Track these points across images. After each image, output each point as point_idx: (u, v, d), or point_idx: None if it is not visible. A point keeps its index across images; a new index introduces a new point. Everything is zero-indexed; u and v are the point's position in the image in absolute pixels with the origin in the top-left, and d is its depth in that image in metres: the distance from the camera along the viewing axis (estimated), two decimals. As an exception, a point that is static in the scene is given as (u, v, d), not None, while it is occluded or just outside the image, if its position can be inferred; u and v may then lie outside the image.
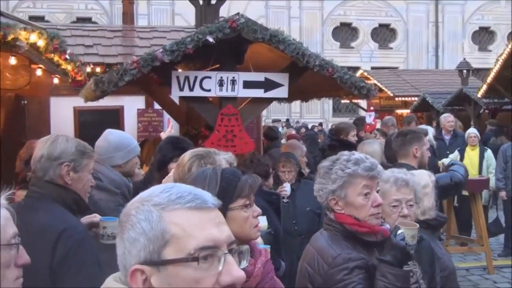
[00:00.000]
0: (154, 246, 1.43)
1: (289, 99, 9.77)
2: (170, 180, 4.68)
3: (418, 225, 3.05)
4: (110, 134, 4.81)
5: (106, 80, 6.52)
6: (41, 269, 2.94)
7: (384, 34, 38.31)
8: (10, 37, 5.82)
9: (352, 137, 9.10)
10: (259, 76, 7.27)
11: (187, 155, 3.61)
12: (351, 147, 7.08)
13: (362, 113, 26.57)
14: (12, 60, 6.76)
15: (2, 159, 8.62)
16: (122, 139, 4.82)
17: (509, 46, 17.79)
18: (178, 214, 1.47)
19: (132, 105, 12.74)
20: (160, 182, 4.85)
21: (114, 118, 12.42)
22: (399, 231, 2.93)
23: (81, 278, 3.05)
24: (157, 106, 12.03)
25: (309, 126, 27.75)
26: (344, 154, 3.14)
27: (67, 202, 3.30)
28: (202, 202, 1.51)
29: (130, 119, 12.85)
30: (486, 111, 21.59)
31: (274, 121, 26.96)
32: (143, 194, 1.54)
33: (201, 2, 9.10)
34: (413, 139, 5.43)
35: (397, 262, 2.88)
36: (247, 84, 7.17)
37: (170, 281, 1.42)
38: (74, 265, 3.06)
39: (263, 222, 5.08)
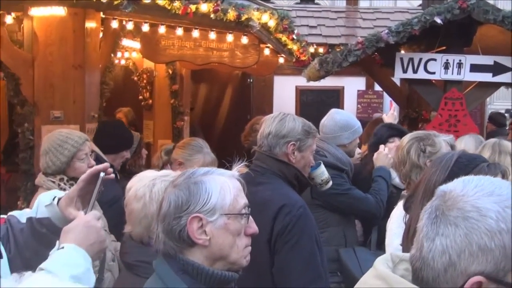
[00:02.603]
0: (506, 265, 1.28)
1: (519, 85, 9.24)
2: (384, 156, 4.77)
3: None
4: (336, 114, 4.91)
5: (331, 60, 6.65)
6: (261, 242, 3.08)
7: None
8: (244, 17, 6.12)
9: None
10: (488, 60, 6.98)
11: (406, 138, 3.64)
12: None
13: None
14: (244, 39, 7.10)
15: (229, 132, 9.15)
16: (348, 119, 4.91)
17: None
18: None
19: (352, 86, 12.82)
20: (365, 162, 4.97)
21: (334, 98, 12.61)
22: None
23: (297, 252, 3.16)
24: (377, 87, 11.99)
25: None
26: None
27: (289, 178, 3.40)
28: None
29: (350, 99, 12.94)
30: None
31: (507, 111, 25.55)
32: (497, 193, 1.34)
33: (428, -17, 8.88)
34: None
35: None
36: (474, 68, 6.92)
37: None
38: (290, 240, 3.16)
39: None
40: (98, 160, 4.32)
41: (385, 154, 4.79)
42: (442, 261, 1.33)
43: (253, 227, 2.13)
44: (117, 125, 6.13)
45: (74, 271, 2.06)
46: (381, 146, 4.91)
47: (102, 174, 2.41)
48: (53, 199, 2.48)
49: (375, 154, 4.88)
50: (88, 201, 2.43)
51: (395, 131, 5.10)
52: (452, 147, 3.62)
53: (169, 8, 5.76)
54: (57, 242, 2.21)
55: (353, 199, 4.49)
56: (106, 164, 2.49)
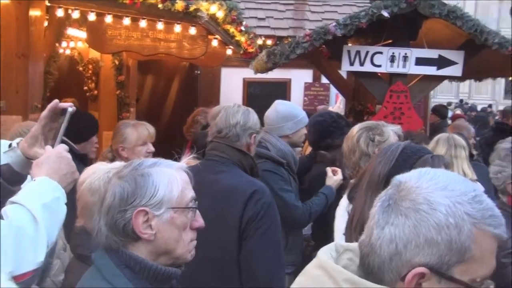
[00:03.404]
0: (451, 259, 1.31)
1: (462, 78, 9.44)
2: (338, 181, 4.79)
3: None
4: (279, 105, 4.92)
5: (278, 52, 6.66)
6: (230, 227, 3.19)
7: None
8: (192, 8, 6.08)
9: (517, 122, 8.69)
10: (432, 53, 7.10)
11: (356, 127, 3.72)
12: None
13: (538, 96, 25.05)
14: (192, 30, 7.06)
15: (175, 124, 9.08)
16: (292, 109, 4.92)
17: None
18: (485, 236, 1.34)
19: (299, 78, 12.90)
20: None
21: (281, 91, 12.66)
22: None
23: (267, 239, 3.25)
24: (324, 80, 12.09)
25: (478, 108, 26.67)
26: None
27: (245, 167, 3.50)
28: (502, 233, 1.38)
29: (297, 92, 13.02)
30: None
31: (449, 104, 26.23)
32: (451, 187, 1.36)
33: (376, -24, 8.98)
34: None
35: None
36: (420, 61, 7.03)
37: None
38: (263, 225, 3.24)
39: None
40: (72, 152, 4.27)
41: (338, 178, 4.79)
42: (389, 250, 1.35)
43: (200, 221, 2.09)
44: (79, 112, 6.01)
45: (45, 199, 2.04)
46: (328, 170, 4.84)
47: (70, 109, 2.38)
48: (10, 145, 2.41)
49: (330, 173, 4.83)
50: (52, 137, 2.39)
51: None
52: (400, 137, 3.70)
53: (115, -3, 5.70)
54: (29, 176, 2.20)
55: (282, 202, 4.39)
56: (69, 103, 2.46)
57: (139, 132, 4.57)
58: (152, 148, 4.61)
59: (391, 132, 3.65)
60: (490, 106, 27.68)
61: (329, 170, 4.79)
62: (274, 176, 4.42)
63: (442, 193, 1.34)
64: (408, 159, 2.61)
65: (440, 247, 1.31)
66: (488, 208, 1.36)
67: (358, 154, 3.58)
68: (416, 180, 1.38)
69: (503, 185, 2.98)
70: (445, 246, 1.30)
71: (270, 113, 4.87)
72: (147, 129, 4.62)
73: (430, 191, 1.34)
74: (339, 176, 4.75)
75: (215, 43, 7.66)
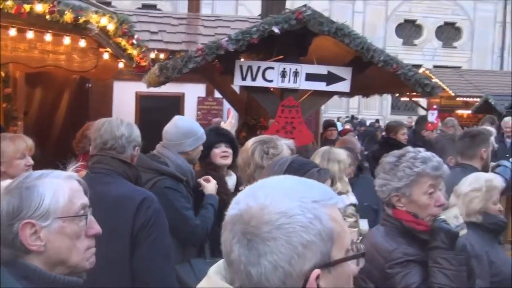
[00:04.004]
0: (327, 246, 1.33)
1: (350, 94, 9.73)
2: (215, 186, 4.77)
3: (455, 205, 3.03)
4: (180, 120, 4.83)
5: (171, 66, 6.63)
6: (122, 236, 3.22)
7: (449, 33, 37.64)
8: (81, 20, 5.92)
9: (402, 136, 9.00)
10: (322, 69, 7.27)
11: (251, 141, 3.77)
12: (399, 147, 6.97)
13: (421, 111, 26.20)
14: (82, 43, 6.89)
15: (65, 138, 8.83)
16: (192, 125, 4.83)
17: None
18: (333, 209, 1.38)
19: (193, 92, 12.89)
20: (204, 169, 4.95)
21: (175, 105, 12.59)
22: (439, 217, 2.92)
23: (158, 245, 3.32)
24: (217, 94, 12.14)
25: (367, 122, 27.55)
26: (410, 151, 3.10)
27: (131, 177, 3.54)
28: (340, 200, 1.44)
29: (190, 106, 13.00)
30: (551, 115, 21.03)
31: (338, 119, 26.96)
32: (291, 191, 1.38)
33: (267, -7, 9.13)
34: (482, 141, 5.34)
35: (445, 245, 2.87)
36: (310, 77, 7.18)
37: (336, 282, 1.37)
38: (153, 232, 3.31)
39: (364, 225, 5.13)
40: None
41: (214, 183, 4.76)
42: (278, 276, 1.32)
43: (96, 228, 2.08)
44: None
45: None
46: (201, 180, 4.80)
47: None
48: None
49: (204, 183, 4.80)
50: None
51: (222, 137, 5.03)
52: (292, 150, 3.77)
53: (0, 7, 5.47)
54: None
55: (185, 221, 4.36)
56: None
57: (16, 144, 4.38)
58: (31, 161, 4.42)
59: (285, 145, 3.72)
60: (377, 121, 28.63)
61: (201, 180, 4.75)
62: (175, 193, 4.36)
63: (286, 199, 1.34)
64: (296, 173, 2.65)
65: (316, 244, 1.32)
66: (320, 186, 1.43)
67: (252, 166, 3.62)
68: (255, 204, 1.36)
69: (388, 198, 3.07)
70: (319, 240, 1.32)
71: (169, 128, 4.77)
72: (25, 142, 4.44)
73: (276, 204, 1.33)
74: (213, 182, 4.74)
75: (106, 56, 7.51)
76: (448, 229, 2.88)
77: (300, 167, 2.75)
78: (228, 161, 4.91)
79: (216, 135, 4.98)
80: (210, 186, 4.75)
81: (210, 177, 4.76)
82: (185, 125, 4.79)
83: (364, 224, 5.09)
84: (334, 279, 1.35)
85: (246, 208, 1.37)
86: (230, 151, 4.90)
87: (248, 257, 1.33)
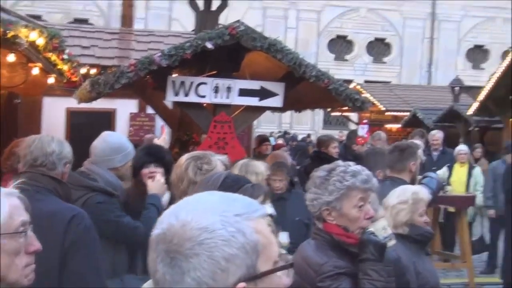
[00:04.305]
0: (252, 259, 1.33)
1: (283, 109, 9.82)
2: (159, 184, 4.74)
3: (383, 217, 3.10)
4: (109, 136, 4.78)
5: (102, 81, 6.57)
6: (53, 252, 3.15)
7: (379, 48, 38.49)
8: (10, 34, 5.80)
9: (333, 149, 9.10)
10: (254, 85, 7.31)
11: (184, 157, 3.78)
12: (330, 161, 7.07)
13: (352, 126, 26.66)
14: (11, 57, 6.74)
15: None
16: (122, 141, 4.78)
17: (503, 65, 17.97)
18: (258, 222, 1.39)
19: (124, 108, 12.78)
20: (136, 187, 4.90)
21: (106, 121, 12.45)
22: (368, 229, 2.99)
23: (89, 262, 3.30)
24: (149, 110, 12.07)
25: (299, 137, 27.86)
26: (340, 165, 3.14)
27: (61, 195, 3.50)
28: (264, 210, 1.46)
29: (122, 122, 12.89)
30: (476, 129, 21.75)
31: (271, 134, 27.22)
32: (212, 206, 1.39)
33: (201, 8, 9.15)
34: (411, 154, 5.46)
35: (374, 257, 2.92)
36: (243, 92, 7.21)
37: None
38: (84, 248, 3.28)
39: (284, 238, 5.16)
40: None
41: (161, 182, 4.72)
42: None
43: (36, 245, 2.05)
44: None
45: None
46: (149, 180, 4.75)
47: None
48: None
49: (149, 181, 4.77)
50: None
51: (151, 157, 4.95)
52: (226, 166, 3.78)
53: None
54: None
55: (122, 226, 4.36)
56: None
57: None
58: None
59: (219, 161, 3.73)
60: (309, 135, 28.96)
61: (147, 179, 4.71)
62: (108, 206, 4.33)
63: (207, 215, 1.35)
64: (230, 188, 2.67)
65: (240, 257, 1.32)
66: (243, 200, 1.44)
67: (186, 182, 3.61)
68: (176, 221, 1.36)
69: (318, 212, 3.11)
70: (242, 253, 1.32)
71: (98, 144, 4.70)
72: None
73: (197, 220, 1.34)
74: (158, 180, 4.68)
75: (36, 71, 7.37)
76: (376, 241, 2.95)
77: (234, 182, 2.77)
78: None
79: (145, 155, 4.89)
80: (154, 185, 4.70)
81: (157, 174, 4.71)
82: (115, 140, 4.75)
83: (284, 237, 5.14)
84: None
85: (169, 226, 1.37)
86: (159, 170, 4.83)
87: (172, 275, 1.33)
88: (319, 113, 34.28)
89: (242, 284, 1.32)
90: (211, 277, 1.31)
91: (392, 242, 3.02)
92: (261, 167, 4.98)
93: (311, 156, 9.78)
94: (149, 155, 4.91)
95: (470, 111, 19.78)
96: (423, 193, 4.04)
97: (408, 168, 5.40)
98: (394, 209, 3.85)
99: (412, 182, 5.27)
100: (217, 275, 1.31)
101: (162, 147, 5.66)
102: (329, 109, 15.88)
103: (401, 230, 3.83)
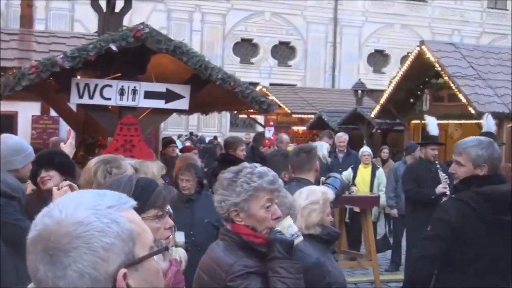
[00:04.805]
0: (129, 246, 1.41)
1: (190, 111, 9.80)
2: (64, 191, 4.63)
3: (288, 216, 3.16)
4: (7, 138, 4.70)
5: (3, 83, 6.38)
6: None
7: (283, 52, 38.93)
8: None
9: (240, 152, 9.15)
10: (160, 87, 7.27)
11: (93, 161, 3.70)
12: (237, 163, 7.11)
13: (259, 128, 26.89)
14: None
15: None
16: (21, 143, 4.74)
17: (402, 70, 18.63)
18: (129, 213, 1.46)
19: (26, 111, 12.42)
20: (35, 192, 4.78)
21: (7, 124, 12.04)
22: (275, 228, 3.04)
23: None
24: (53, 113, 11.76)
25: (206, 139, 27.87)
26: (247, 166, 3.17)
27: None
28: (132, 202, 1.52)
29: (24, 125, 12.52)
30: (379, 131, 22.41)
31: (179, 136, 27.08)
32: (83, 202, 1.43)
33: (104, 10, 9.00)
34: (315, 155, 5.58)
35: (282, 255, 2.96)
36: (149, 94, 7.15)
37: (145, 278, 1.45)
38: None
39: (180, 238, 5.16)
40: None
41: (65, 190, 4.60)
42: (85, 283, 1.36)
43: None
44: None
45: None
46: (54, 189, 4.62)
47: None
48: None
49: (54, 189, 4.63)
50: None
51: (40, 163, 4.74)
52: (136, 170, 3.73)
53: None
54: None
55: (21, 231, 4.24)
56: None
57: None
58: None
59: (129, 165, 3.68)
60: (215, 138, 28.98)
61: (53, 188, 4.58)
62: (8, 209, 4.23)
63: (80, 210, 1.40)
64: (145, 192, 2.68)
65: (117, 245, 1.38)
66: (113, 193, 1.50)
67: (95, 186, 3.54)
68: (50, 221, 1.40)
69: (227, 213, 3.12)
70: (119, 241, 1.39)
71: (-3, 146, 4.60)
72: None
73: (71, 216, 1.39)
74: (64, 190, 4.57)
75: None
76: (283, 239, 2.99)
77: (147, 185, 2.76)
78: (49, 184, 4.73)
79: (33, 164, 4.75)
80: (59, 194, 4.58)
81: (65, 184, 4.59)
82: (14, 142, 4.67)
83: (179, 236, 5.19)
84: (142, 276, 1.43)
85: (44, 227, 1.40)
86: (52, 173, 4.68)
87: (54, 271, 1.36)
88: (226, 116, 34.34)
89: (123, 270, 1.38)
90: (92, 267, 1.36)
91: (299, 239, 3.08)
92: (153, 168, 4.95)
93: (219, 158, 9.81)
94: (37, 163, 4.79)
95: (372, 114, 20.40)
96: (330, 193, 4.13)
97: (314, 168, 5.51)
98: (305, 209, 3.88)
99: (317, 182, 5.38)
100: (98, 264, 1.36)
101: (52, 151, 5.56)
102: (236, 112, 15.98)
103: (313, 231, 3.88)
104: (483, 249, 4.02)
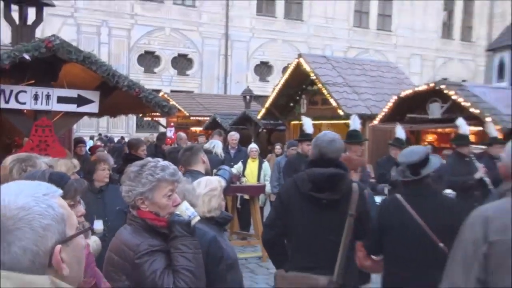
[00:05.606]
0: (61, 226, 1.51)
1: (99, 114, 9.58)
2: None
3: (184, 201, 3.22)
4: None
5: None
6: None
7: (182, 63, 38.71)
8: None
9: (142, 152, 9.02)
10: (72, 93, 7.11)
11: (9, 159, 3.57)
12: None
13: (161, 129, 26.63)
14: None
15: None
16: None
17: (283, 78, 19.03)
18: (59, 200, 1.56)
19: None
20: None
21: None
22: (175, 212, 3.10)
23: None
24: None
25: (115, 139, 27.39)
26: (151, 161, 3.20)
27: None
28: (60, 191, 1.61)
29: None
30: (264, 130, 22.79)
31: (91, 137, 26.43)
32: (22, 190, 1.51)
33: (17, 22, 8.63)
34: (198, 150, 5.72)
35: (181, 233, 3.01)
36: (61, 99, 6.99)
37: (74, 252, 1.55)
38: None
39: (99, 225, 5.08)
40: None
41: None
42: (28, 258, 1.44)
43: None
44: None
45: None
46: None
47: None
48: None
49: None
50: None
51: None
52: (51, 167, 3.62)
53: None
54: None
55: None
56: None
57: None
58: None
59: (43, 163, 3.57)
60: (123, 138, 28.46)
61: None
62: None
63: (20, 197, 1.48)
64: (57, 184, 2.60)
65: (53, 226, 1.49)
66: (45, 184, 1.60)
67: (10, 184, 3.42)
68: (15, 206, 1.46)
69: (133, 201, 3.13)
70: (55, 222, 1.49)
71: None
72: None
73: (13, 202, 1.46)
74: None
75: None
76: (181, 221, 3.04)
77: (59, 179, 2.73)
78: None
79: None
80: None
81: None
82: None
83: (98, 224, 5.15)
84: (71, 251, 1.54)
85: None
86: None
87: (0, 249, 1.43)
88: (133, 118, 33.81)
89: (59, 246, 1.48)
90: (34, 244, 1.45)
91: (196, 219, 3.12)
92: (66, 165, 4.84)
93: (123, 157, 9.65)
94: None
95: (259, 116, 20.72)
96: (223, 182, 4.19)
97: (200, 161, 5.60)
98: (206, 196, 3.90)
99: (207, 173, 5.45)
100: (39, 242, 1.45)
101: None
102: (141, 115, 15.78)
103: (214, 214, 3.91)
104: (301, 216, 4.37)
